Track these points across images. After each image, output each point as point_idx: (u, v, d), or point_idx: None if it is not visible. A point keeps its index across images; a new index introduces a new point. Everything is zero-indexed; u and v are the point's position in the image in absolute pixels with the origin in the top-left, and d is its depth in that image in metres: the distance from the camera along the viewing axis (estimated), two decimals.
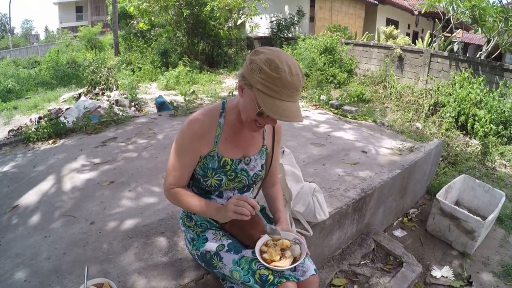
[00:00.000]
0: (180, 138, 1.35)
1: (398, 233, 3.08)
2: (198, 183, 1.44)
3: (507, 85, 6.44)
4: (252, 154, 1.44)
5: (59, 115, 6.01)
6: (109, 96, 7.75)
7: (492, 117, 5.77)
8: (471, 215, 2.76)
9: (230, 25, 12.29)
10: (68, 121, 4.17)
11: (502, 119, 5.76)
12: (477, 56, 8.03)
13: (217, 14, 10.93)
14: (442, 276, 2.56)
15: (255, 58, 1.14)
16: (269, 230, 1.33)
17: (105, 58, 10.97)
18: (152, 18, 11.40)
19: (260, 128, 1.30)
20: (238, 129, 1.39)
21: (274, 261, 1.27)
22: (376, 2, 15.30)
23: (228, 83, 9.59)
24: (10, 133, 5.60)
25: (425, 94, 7.33)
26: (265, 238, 1.35)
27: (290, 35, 12.97)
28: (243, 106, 1.25)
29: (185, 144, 1.34)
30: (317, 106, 5.14)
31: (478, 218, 2.71)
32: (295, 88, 1.13)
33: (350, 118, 4.53)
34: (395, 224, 3.21)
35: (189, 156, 1.35)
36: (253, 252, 1.32)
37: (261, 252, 1.30)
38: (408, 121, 6.49)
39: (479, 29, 8.16)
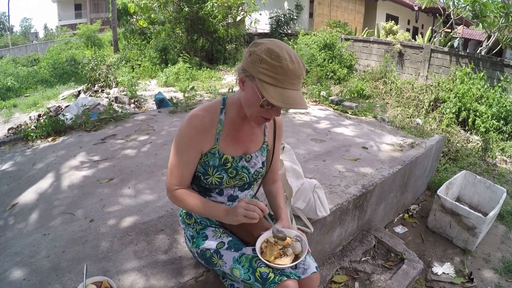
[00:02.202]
0: (180, 135, 1.32)
1: (399, 229, 3.07)
2: (198, 181, 1.42)
3: (508, 80, 6.41)
4: (253, 151, 1.42)
5: (59, 112, 5.99)
6: (108, 93, 7.74)
7: (493, 111, 5.75)
8: (472, 211, 2.75)
9: (229, 21, 12.25)
10: (67, 119, 4.15)
11: (503, 114, 5.74)
12: (478, 51, 7.99)
13: (216, 12, 10.89)
14: (443, 272, 2.55)
15: (255, 49, 1.12)
16: (275, 232, 1.30)
17: (104, 55, 10.95)
18: (152, 15, 11.37)
19: (266, 121, 1.27)
20: (239, 125, 1.36)
21: (276, 258, 1.26)
22: None
23: (228, 79, 9.56)
24: (10, 131, 5.59)
25: (426, 90, 7.30)
26: (265, 235, 1.33)
27: (289, 31, 12.92)
28: (246, 100, 1.22)
29: (186, 141, 1.31)
30: (317, 102, 5.12)
31: (479, 215, 2.70)
32: (297, 75, 1.12)
33: (350, 114, 4.51)
34: (396, 220, 3.21)
35: (191, 152, 1.32)
36: (254, 250, 1.31)
37: (262, 249, 1.29)
38: (408, 117, 6.47)
39: (480, 24, 8.11)
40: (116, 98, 6.88)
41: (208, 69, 10.56)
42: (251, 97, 1.18)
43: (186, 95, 4.89)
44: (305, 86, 8.02)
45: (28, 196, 2.35)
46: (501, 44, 7.97)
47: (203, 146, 1.33)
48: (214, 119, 1.33)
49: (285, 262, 1.25)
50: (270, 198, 1.57)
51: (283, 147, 1.95)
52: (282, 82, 1.10)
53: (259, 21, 12.42)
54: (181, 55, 10.58)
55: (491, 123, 5.69)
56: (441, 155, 4.27)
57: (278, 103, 1.11)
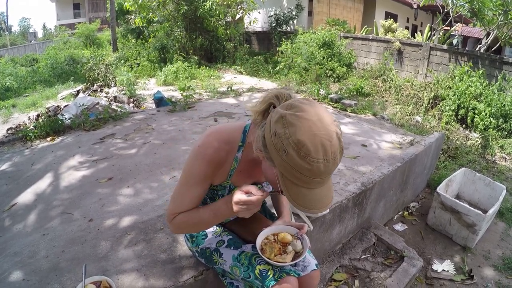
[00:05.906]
0: (192, 168, 1.17)
1: (399, 227, 3.07)
2: (204, 201, 1.34)
3: (506, 78, 6.41)
4: (264, 180, 1.35)
5: (57, 112, 5.98)
6: (107, 93, 7.74)
7: (492, 110, 5.75)
8: (472, 208, 2.75)
9: (228, 20, 12.22)
10: (66, 119, 4.14)
11: (502, 112, 5.74)
12: (477, 49, 7.99)
13: (216, 11, 10.87)
14: (443, 270, 2.55)
15: (281, 132, 0.89)
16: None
17: (103, 54, 10.93)
18: (150, 14, 11.34)
19: None
20: (255, 163, 1.22)
21: (276, 256, 1.25)
22: None
23: (227, 77, 9.54)
24: (9, 131, 5.58)
25: (425, 88, 7.29)
26: (266, 232, 1.33)
27: (288, 29, 12.90)
28: (264, 169, 1.10)
29: (197, 175, 1.17)
30: (316, 100, 5.11)
31: (479, 212, 2.70)
32: (328, 173, 0.93)
33: (350, 112, 4.50)
34: (395, 218, 3.21)
35: (201, 186, 1.20)
36: (253, 247, 1.30)
37: (262, 247, 1.28)
38: (408, 115, 6.46)
39: (479, 22, 8.10)
40: (115, 97, 6.87)
41: (207, 67, 10.54)
42: (270, 176, 1.07)
43: (184, 94, 4.88)
44: (304, 84, 8.02)
45: (27, 196, 2.35)
46: (500, 42, 7.99)
47: (214, 180, 1.23)
48: (230, 156, 1.19)
49: (286, 260, 1.24)
50: (272, 196, 1.56)
51: None
52: (308, 183, 0.92)
53: (258, 20, 12.40)
54: (176, 54, 10.55)
55: (489, 121, 5.69)
56: (441, 152, 4.27)
57: (300, 208, 0.96)
